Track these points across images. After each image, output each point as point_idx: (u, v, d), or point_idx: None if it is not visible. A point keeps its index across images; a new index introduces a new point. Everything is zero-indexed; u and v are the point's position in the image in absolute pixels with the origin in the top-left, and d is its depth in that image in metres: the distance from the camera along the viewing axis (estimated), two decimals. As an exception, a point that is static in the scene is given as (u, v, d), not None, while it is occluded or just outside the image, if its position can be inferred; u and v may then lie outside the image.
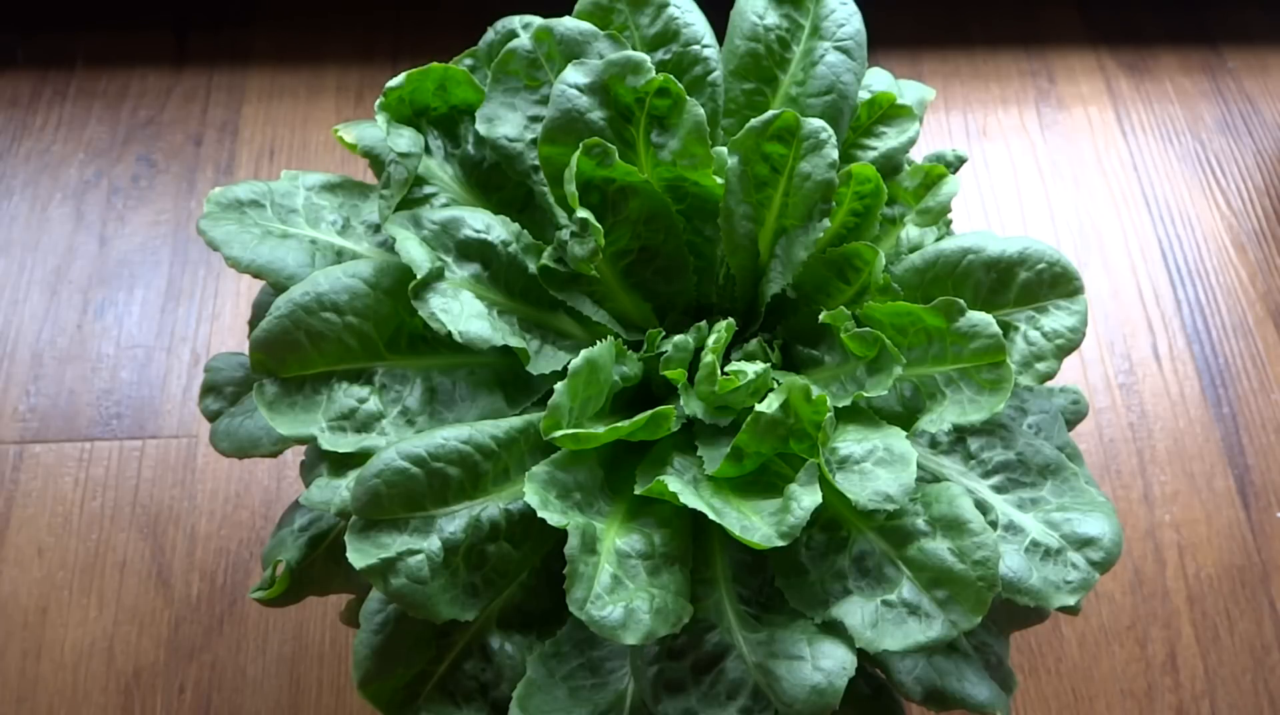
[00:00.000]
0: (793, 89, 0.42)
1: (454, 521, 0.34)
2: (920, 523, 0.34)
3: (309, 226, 0.40)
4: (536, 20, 0.41)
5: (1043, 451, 0.39)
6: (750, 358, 0.40)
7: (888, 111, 0.44)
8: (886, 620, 0.33)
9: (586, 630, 0.36)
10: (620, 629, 0.31)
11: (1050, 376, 0.42)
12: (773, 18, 0.42)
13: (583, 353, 0.35)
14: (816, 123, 0.37)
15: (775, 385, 0.37)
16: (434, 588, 0.33)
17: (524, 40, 0.39)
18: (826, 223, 0.37)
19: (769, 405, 0.34)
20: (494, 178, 0.42)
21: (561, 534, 0.32)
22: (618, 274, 0.40)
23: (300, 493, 0.36)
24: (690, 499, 0.33)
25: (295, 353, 0.35)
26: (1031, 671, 0.59)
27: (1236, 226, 0.76)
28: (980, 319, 0.36)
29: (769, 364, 0.39)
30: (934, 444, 0.40)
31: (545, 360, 0.38)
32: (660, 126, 0.38)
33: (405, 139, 0.38)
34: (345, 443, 0.35)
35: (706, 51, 0.42)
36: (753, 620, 0.35)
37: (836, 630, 0.34)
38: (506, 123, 0.40)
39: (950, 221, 0.45)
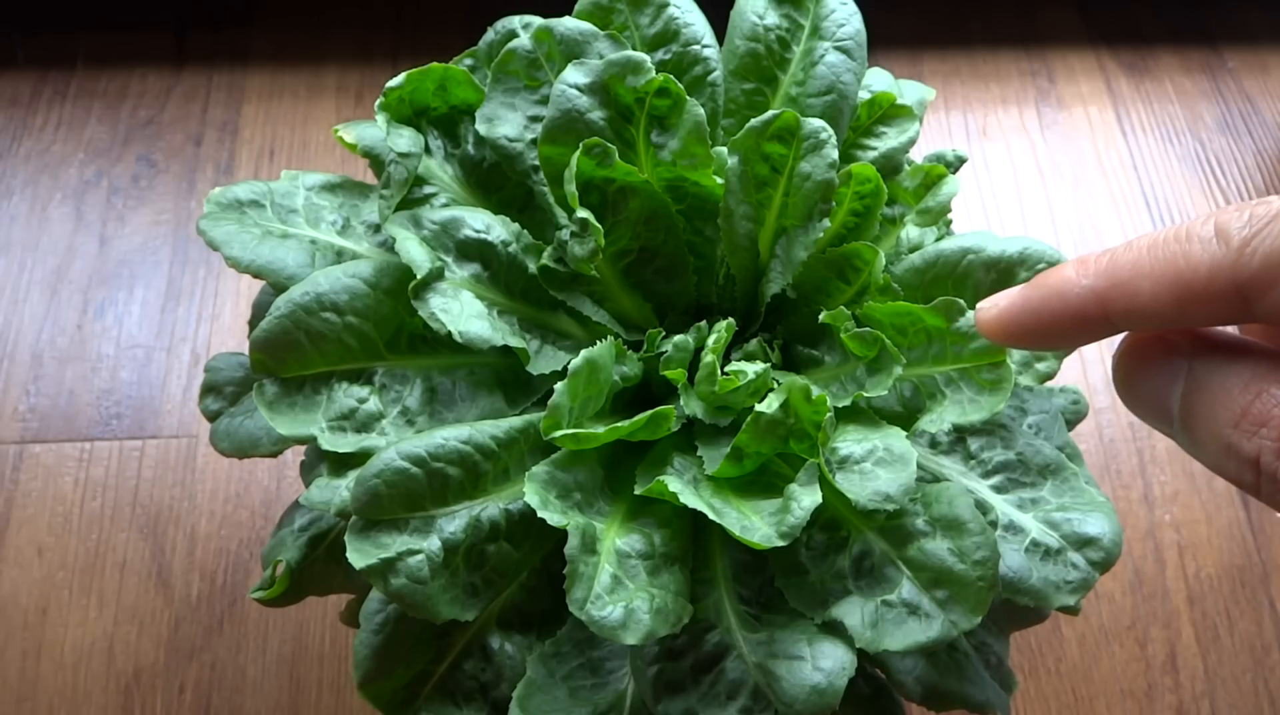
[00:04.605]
0: (793, 89, 0.42)
1: (454, 521, 0.34)
2: (920, 523, 0.34)
3: (309, 226, 0.40)
4: (536, 20, 0.41)
5: (1043, 451, 0.39)
6: (750, 358, 0.40)
7: (888, 111, 0.44)
8: (886, 620, 0.33)
9: (586, 630, 0.36)
10: (620, 629, 0.31)
11: (1050, 376, 0.42)
12: (773, 18, 0.42)
13: (583, 353, 0.34)
14: (816, 123, 0.37)
15: (775, 385, 0.37)
16: (434, 588, 0.33)
17: (524, 40, 0.39)
18: (826, 223, 0.37)
19: (769, 405, 0.34)
20: (494, 178, 0.41)
21: (561, 534, 0.32)
22: (618, 274, 0.40)
23: (300, 493, 0.36)
24: (690, 499, 0.33)
25: (295, 353, 0.35)
26: (1031, 671, 0.59)
27: (1236, 226, 0.75)
28: (980, 319, 0.36)
29: (769, 364, 0.39)
30: (934, 444, 0.40)
31: (545, 360, 0.38)
32: (660, 126, 0.38)
33: (405, 139, 0.38)
34: (345, 443, 0.35)
35: (706, 51, 0.42)
36: (753, 620, 0.35)
37: (836, 630, 0.34)
38: (506, 123, 0.40)
39: (950, 221, 0.45)
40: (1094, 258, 0.25)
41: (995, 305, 0.26)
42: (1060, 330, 0.25)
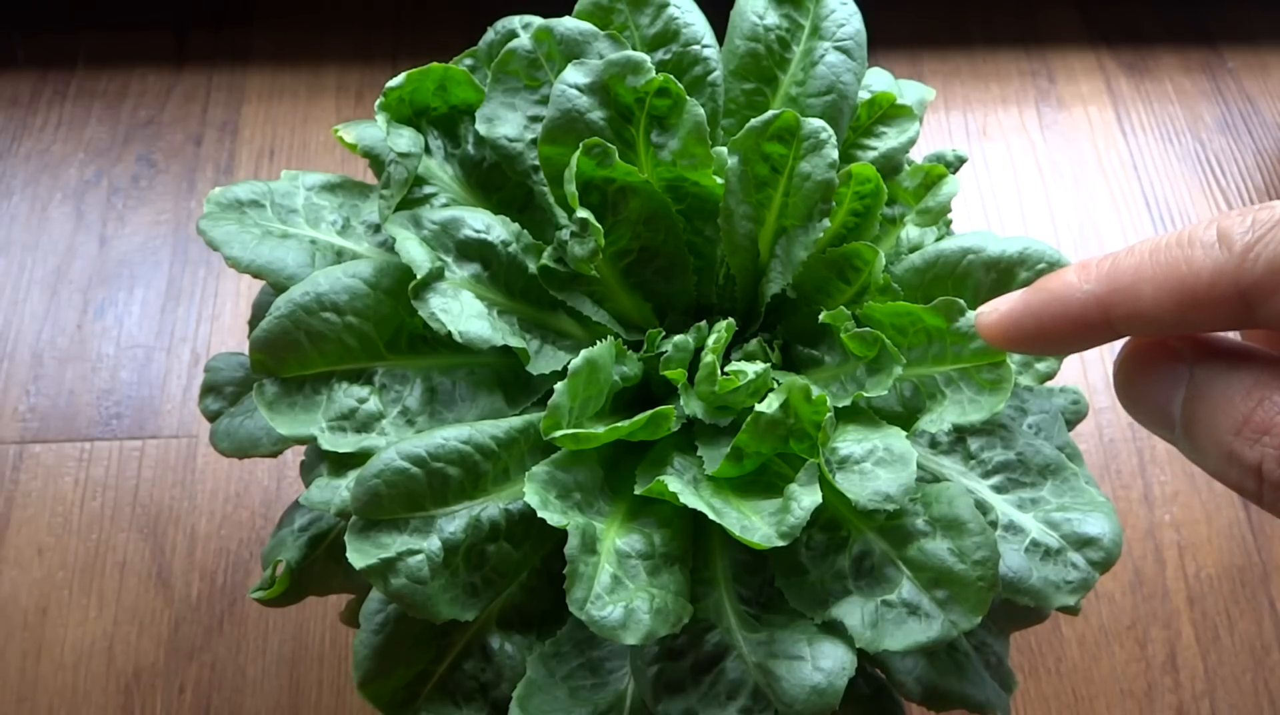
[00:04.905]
0: (793, 89, 0.42)
1: (454, 521, 0.34)
2: (920, 523, 0.34)
3: (309, 226, 0.40)
4: (536, 20, 0.41)
5: (1043, 451, 0.39)
6: (750, 358, 0.40)
7: (888, 111, 0.44)
8: (886, 620, 0.33)
9: (586, 630, 0.36)
10: (620, 629, 0.31)
11: (1050, 376, 0.42)
12: (773, 18, 0.42)
13: (583, 353, 0.35)
14: (816, 123, 0.37)
15: (775, 385, 0.37)
16: (434, 588, 0.33)
17: (524, 40, 0.39)
18: (826, 223, 0.37)
19: (769, 405, 0.34)
20: (494, 178, 0.42)
21: (561, 534, 0.32)
22: (618, 274, 0.40)
23: (300, 493, 0.36)
24: (690, 499, 0.33)
25: (295, 353, 0.35)
26: (1031, 671, 0.59)
27: (1236, 226, 0.75)
28: (980, 319, 0.36)
29: (769, 364, 0.39)
30: (934, 444, 0.40)
31: (545, 360, 0.38)
32: (660, 126, 0.38)
33: (405, 139, 0.38)
34: (345, 443, 0.35)
35: (706, 51, 0.42)
36: (753, 620, 0.35)
37: (836, 630, 0.34)
38: (506, 123, 0.40)
39: (950, 221, 0.45)
40: (1095, 262, 0.25)
41: (996, 310, 0.26)
42: (1062, 335, 0.25)
